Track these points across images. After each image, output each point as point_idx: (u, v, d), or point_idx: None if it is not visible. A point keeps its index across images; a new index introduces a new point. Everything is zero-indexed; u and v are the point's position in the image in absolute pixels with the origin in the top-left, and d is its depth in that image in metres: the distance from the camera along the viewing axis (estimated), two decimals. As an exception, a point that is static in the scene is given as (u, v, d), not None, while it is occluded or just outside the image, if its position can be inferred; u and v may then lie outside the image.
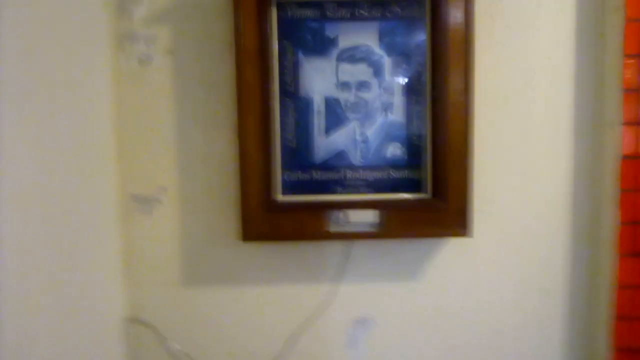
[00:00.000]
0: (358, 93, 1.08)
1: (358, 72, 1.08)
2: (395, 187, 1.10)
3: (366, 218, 1.09)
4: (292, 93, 1.08)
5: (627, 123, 1.07)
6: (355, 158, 1.10)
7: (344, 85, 1.08)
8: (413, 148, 1.10)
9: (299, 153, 1.10)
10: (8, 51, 0.75)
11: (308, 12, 1.07)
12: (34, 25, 0.83)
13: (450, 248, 1.16)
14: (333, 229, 1.08)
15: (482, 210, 1.13)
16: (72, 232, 0.94)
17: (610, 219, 1.11)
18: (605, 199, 1.13)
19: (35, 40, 0.83)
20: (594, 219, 1.15)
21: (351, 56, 1.08)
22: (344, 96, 1.08)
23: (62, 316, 0.90)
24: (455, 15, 1.03)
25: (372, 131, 1.09)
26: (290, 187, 1.10)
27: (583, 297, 1.17)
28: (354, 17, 1.07)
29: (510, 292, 1.17)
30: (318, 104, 1.09)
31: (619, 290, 1.09)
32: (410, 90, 1.08)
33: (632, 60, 1.06)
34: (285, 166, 1.09)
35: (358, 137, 1.10)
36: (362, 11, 1.07)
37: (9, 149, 0.75)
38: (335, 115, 1.09)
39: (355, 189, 1.10)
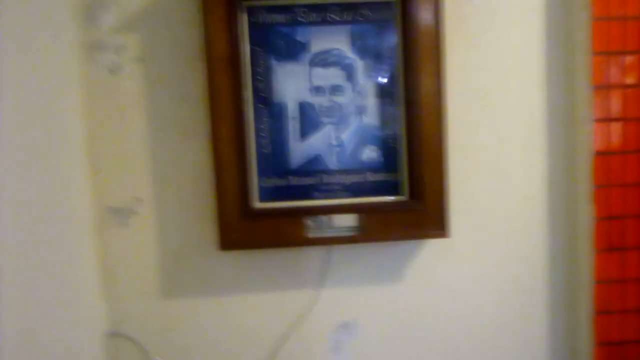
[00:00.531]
0: (332, 97, 1.08)
1: (331, 76, 1.08)
2: (372, 190, 1.10)
3: (345, 222, 1.08)
4: (265, 99, 1.07)
5: (599, 120, 1.08)
6: (332, 162, 1.10)
7: (318, 90, 1.08)
8: (389, 150, 1.10)
9: (274, 159, 1.09)
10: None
11: (279, 17, 1.06)
12: (3, 36, 0.81)
13: (430, 249, 1.16)
14: (312, 234, 1.08)
15: (459, 211, 1.14)
16: (47, 247, 0.92)
17: (585, 215, 1.12)
18: (580, 195, 1.14)
19: (2, 51, 0.81)
20: (570, 215, 1.16)
21: (323, 60, 1.08)
22: (318, 101, 1.08)
23: (40, 332, 0.88)
24: (425, 17, 1.04)
25: (347, 135, 1.09)
26: (267, 194, 1.09)
27: (563, 294, 1.18)
28: (325, 22, 1.07)
29: (491, 290, 1.18)
30: (292, 109, 1.08)
31: (596, 285, 1.10)
32: (384, 93, 1.09)
33: (600, 58, 1.07)
34: (262, 173, 1.09)
35: (333, 141, 1.09)
36: (333, 15, 1.07)
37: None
38: (309, 120, 1.08)
39: (333, 194, 1.10)
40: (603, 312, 1.11)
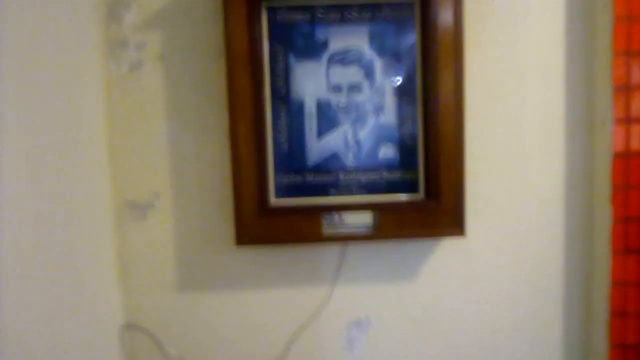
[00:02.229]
0: (349, 95, 1.09)
1: (349, 74, 1.08)
2: (388, 188, 1.10)
3: (360, 220, 1.09)
4: (283, 96, 1.08)
5: (619, 121, 1.07)
6: (348, 160, 1.10)
7: (336, 88, 1.08)
8: (405, 149, 1.10)
9: (291, 156, 1.10)
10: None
11: (298, 16, 1.07)
12: (24, 32, 0.83)
13: (445, 248, 1.16)
14: (327, 231, 1.09)
15: (475, 210, 1.14)
16: (66, 240, 0.94)
17: (603, 216, 1.11)
18: (598, 196, 1.13)
19: (26, 47, 0.83)
20: (588, 216, 1.16)
21: (342, 59, 1.08)
22: (336, 99, 1.09)
23: (58, 324, 0.90)
24: (445, 16, 1.03)
25: (364, 133, 1.10)
26: (284, 191, 1.10)
27: (579, 295, 1.18)
28: (344, 20, 1.07)
29: (506, 291, 1.17)
30: (310, 107, 1.09)
31: (613, 287, 1.10)
32: (402, 92, 1.09)
33: (622, 58, 1.06)
34: (278, 169, 1.10)
35: (350, 139, 1.10)
36: (352, 14, 1.07)
37: (1, 158, 0.75)
38: (327, 117, 1.09)
39: (349, 191, 1.10)
40: (619, 314, 1.10)
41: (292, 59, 1.08)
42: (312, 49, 1.08)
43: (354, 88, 1.09)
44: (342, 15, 1.07)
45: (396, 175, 1.10)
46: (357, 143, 1.10)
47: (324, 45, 1.08)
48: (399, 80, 1.09)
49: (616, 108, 1.07)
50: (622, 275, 1.09)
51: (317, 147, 1.10)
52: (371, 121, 1.10)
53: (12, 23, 0.79)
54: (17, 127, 0.80)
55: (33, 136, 0.84)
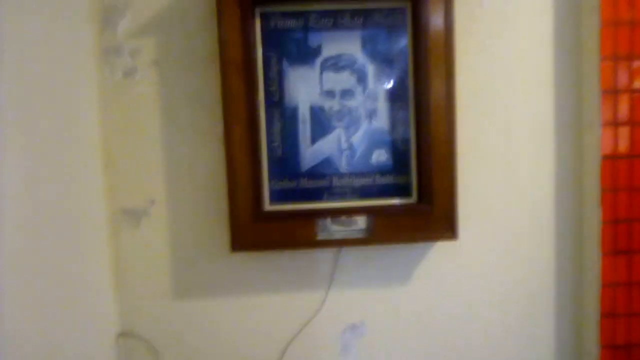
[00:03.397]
0: (342, 101, 1.10)
1: (342, 80, 1.09)
2: (381, 192, 1.11)
3: (354, 224, 1.10)
4: (277, 102, 1.09)
5: (607, 124, 1.09)
6: (341, 165, 1.11)
7: (328, 93, 1.09)
8: (398, 154, 1.11)
9: (285, 161, 1.10)
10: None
11: (291, 22, 1.08)
12: (19, 38, 0.83)
13: (438, 252, 1.17)
14: (322, 236, 1.09)
15: (468, 214, 1.15)
16: (61, 247, 0.94)
17: (592, 218, 1.13)
18: (587, 198, 1.15)
19: (21, 53, 0.83)
20: (577, 218, 1.18)
21: (335, 64, 1.09)
22: (329, 104, 1.10)
23: (54, 331, 0.90)
24: (436, 22, 1.05)
25: (357, 138, 1.11)
26: (278, 196, 1.11)
27: (570, 296, 1.19)
28: (336, 26, 1.08)
29: (498, 293, 1.19)
30: (303, 113, 1.10)
31: (603, 288, 1.11)
32: (394, 97, 1.10)
33: (609, 62, 1.08)
34: (273, 175, 1.10)
35: (343, 144, 1.11)
36: (344, 20, 1.08)
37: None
38: (320, 123, 1.10)
39: (342, 196, 1.11)
40: (609, 314, 1.12)
41: (285, 65, 1.09)
42: (305, 55, 1.09)
43: (346, 93, 1.10)
44: (335, 21, 1.08)
45: (389, 179, 1.12)
46: (350, 148, 1.11)
47: (317, 50, 1.09)
48: (391, 85, 1.10)
49: (604, 111, 1.09)
50: (612, 276, 1.11)
51: (310, 152, 1.11)
52: (364, 126, 1.11)
53: (6, 29, 0.79)
54: (12, 133, 0.80)
55: (27, 142, 0.84)
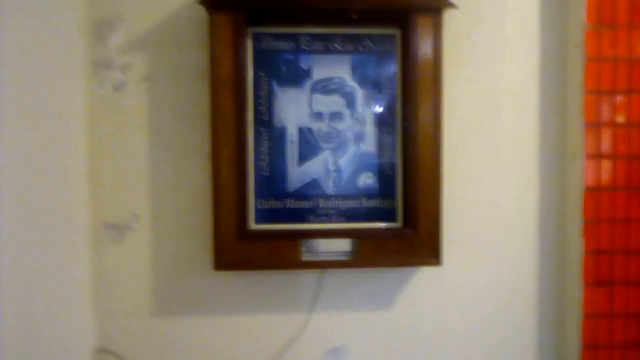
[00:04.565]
0: (331, 123, 1.11)
1: (331, 102, 1.10)
2: (367, 216, 1.12)
3: (339, 247, 1.09)
4: (266, 122, 1.10)
5: (590, 156, 1.11)
6: (328, 187, 1.11)
7: (317, 116, 1.10)
8: (384, 178, 1.12)
9: (272, 182, 1.10)
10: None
11: (283, 44, 1.09)
12: (11, 50, 0.83)
13: (422, 276, 1.17)
14: (306, 257, 1.09)
15: (452, 240, 1.15)
16: (40, 258, 0.93)
17: (575, 248, 1.14)
18: (570, 228, 1.16)
19: (12, 65, 0.83)
20: (560, 248, 1.19)
21: (324, 87, 1.10)
22: (317, 126, 1.10)
23: (28, 345, 0.88)
24: (424, 50, 1.07)
25: (344, 160, 1.11)
26: (264, 216, 1.10)
27: (552, 326, 1.19)
28: (327, 50, 1.10)
29: (481, 320, 1.18)
30: (292, 134, 1.10)
31: (584, 318, 1.12)
32: (382, 121, 1.11)
33: (593, 96, 1.11)
34: (259, 195, 1.10)
35: (331, 167, 1.11)
36: (335, 44, 1.10)
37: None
38: (308, 144, 1.11)
39: (328, 218, 1.11)
40: (591, 346, 1.12)
41: (275, 86, 1.10)
42: (296, 77, 1.10)
43: (335, 116, 1.11)
44: (326, 45, 1.10)
45: (375, 203, 1.12)
46: (338, 170, 1.11)
47: (308, 73, 1.10)
48: (379, 109, 1.11)
49: (587, 144, 1.11)
50: (594, 307, 1.12)
51: (297, 173, 1.11)
52: (352, 149, 1.11)
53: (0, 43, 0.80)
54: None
55: (14, 154, 0.84)
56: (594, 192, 1.11)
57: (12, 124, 0.83)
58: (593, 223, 1.11)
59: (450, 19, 1.13)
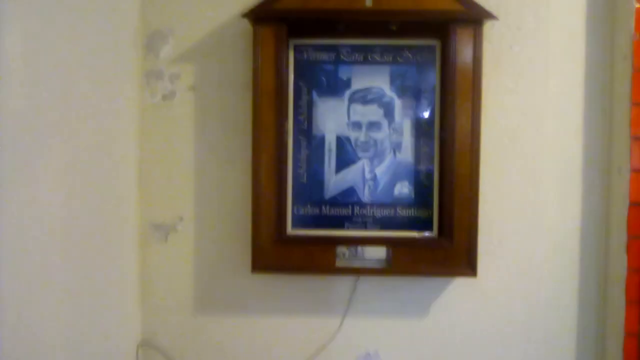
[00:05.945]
0: (368, 133, 1.13)
1: (369, 112, 1.12)
2: (402, 224, 1.13)
3: (374, 254, 1.11)
4: (305, 131, 1.13)
5: (636, 170, 1.08)
6: (364, 195, 1.13)
7: (355, 125, 1.13)
8: (420, 187, 1.13)
9: (310, 188, 1.14)
10: (43, 85, 0.82)
11: (323, 55, 1.12)
12: (69, 61, 0.90)
13: (457, 286, 1.17)
14: (341, 263, 1.11)
15: (488, 252, 1.14)
16: (92, 256, 0.99)
17: (618, 265, 1.10)
18: (613, 245, 1.13)
19: (67, 74, 0.90)
20: (602, 264, 1.15)
21: (363, 97, 1.12)
22: (355, 135, 1.13)
23: (77, 337, 0.94)
24: (464, 60, 1.07)
25: (381, 169, 1.13)
26: (301, 221, 1.14)
27: (592, 344, 1.16)
28: (367, 61, 1.12)
29: (517, 334, 1.17)
30: (330, 142, 1.13)
31: (626, 337, 1.08)
32: (419, 131, 1.12)
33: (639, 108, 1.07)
34: (297, 201, 1.13)
35: (367, 175, 1.13)
36: (375, 55, 1.12)
37: (41, 173, 0.82)
38: (345, 153, 1.13)
39: (364, 225, 1.13)
40: (632, 366, 1.08)
41: (315, 96, 1.13)
42: (335, 87, 1.13)
43: (373, 125, 1.13)
44: (365, 55, 1.12)
45: (410, 212, 1.13)
46: (374, 179, 1.13)
47: (347, 83, 1.13)
48: (417, 119, 1.12)
49: (633, 157, 1.08)
50: (636, 326, 1.08)
51: (334, 180, 1.13)
52: (388, 158, 1.13)
53: (55, 50, 0.86)
54: (56, 148, 0.86)
55: (69, 155, 0.90)
56: (639, 208, 1.08)
57: (69, 131, 0.90)
58: (638, 239, 1.08)
59: (490, 30, 1.12)
